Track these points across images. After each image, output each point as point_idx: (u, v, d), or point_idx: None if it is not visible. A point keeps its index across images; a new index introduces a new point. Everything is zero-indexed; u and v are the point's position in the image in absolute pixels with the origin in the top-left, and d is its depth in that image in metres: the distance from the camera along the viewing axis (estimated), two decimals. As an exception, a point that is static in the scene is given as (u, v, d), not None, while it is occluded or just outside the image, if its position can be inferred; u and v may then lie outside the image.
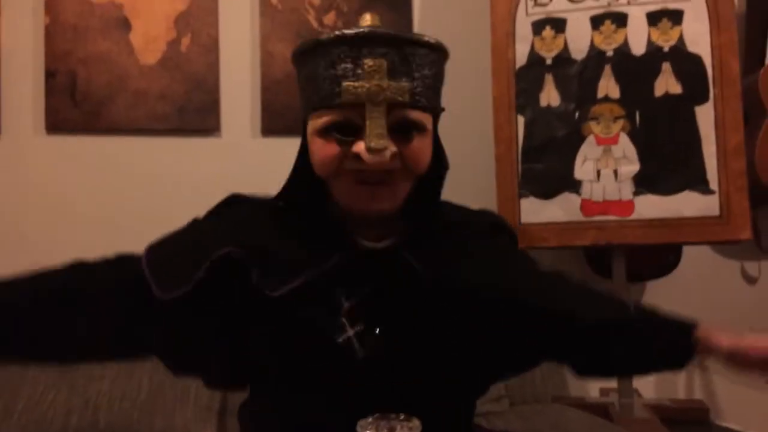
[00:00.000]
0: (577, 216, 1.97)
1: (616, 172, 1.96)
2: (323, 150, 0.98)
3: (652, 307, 1.15)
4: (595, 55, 2.00)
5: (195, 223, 1.16)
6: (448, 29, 2.29)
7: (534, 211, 2.00)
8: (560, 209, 1.98)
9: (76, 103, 2.05)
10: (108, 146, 2.10)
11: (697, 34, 1.95)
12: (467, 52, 2.24)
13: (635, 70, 1.97)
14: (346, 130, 0.96)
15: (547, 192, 2.00)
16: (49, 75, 2.04)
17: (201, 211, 2.07)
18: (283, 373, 0.99)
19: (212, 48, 2.13)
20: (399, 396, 0.87)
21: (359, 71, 0.93)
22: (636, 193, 1.94)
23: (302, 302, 0.98)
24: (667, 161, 1.93)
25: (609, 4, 2.00)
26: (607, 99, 1.99)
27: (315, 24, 2.18)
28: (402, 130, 0.97)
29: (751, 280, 2.43)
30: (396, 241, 1.05)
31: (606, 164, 1.97)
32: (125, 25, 2.09)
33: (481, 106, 2.12)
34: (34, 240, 2.05)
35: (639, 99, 1.97)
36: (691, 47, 1.95)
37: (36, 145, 2.07)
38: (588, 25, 2.01)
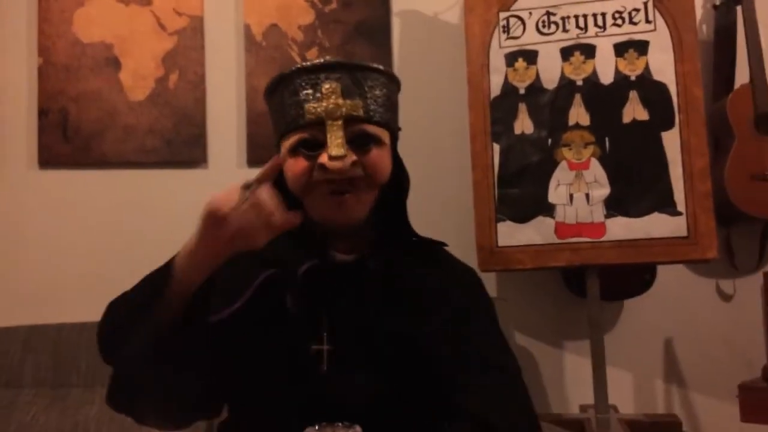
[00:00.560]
0: (552, 238, 2.03)
1: (587, 196, 2.03)
2: (294, 167, 1.11)
3: None
4: (566, 85, 2.08)
5: None
6: (427, 62, 2.39)
7: (510, 234, 2.06)
8: (535, 232, 2.05)
9: (68, 139, 2.13)
10: (99, 179, 2.17)
11: (662, 64, 2.03)
12: (445, 84, 2.35)
13: (604, 99, 2.05)
14: (312, 146, 1.09)
15: (523, 216, 2.06)
16: (42, 113, 2.12)
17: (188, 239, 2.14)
18: (255, 382, 1.07)
19: (199, 84, 2.22)
20: (352, 411, 0.93)
21: (318, 94, 1.08)
22: (607, 216, 2.01)
23: (280, 312, 1.08)
24: (636, 184, 2.00)
25: (578, 36, 2.09)
26: (577, 126, 2.06)
27: (298, 59, 2.27)
28: (360, 142, 1.10)
29: (726, 298, 2.50)
30: (364, 253, 1.16)
31: (578, 188, 2.04)
32: (115, 63, 2.17)
33: (458, 135, 2.20)
34: (28, 269, 2.11)
35: (608, 125, 2.04)
36: (657, 76, 2.04)
37: (29, 179, 2.14)
38: (558, 57, 2.10)
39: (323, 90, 1.08)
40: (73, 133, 2.13)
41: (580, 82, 2.08)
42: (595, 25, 2.08)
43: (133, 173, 2.19)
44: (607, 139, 2.04)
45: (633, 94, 2.05)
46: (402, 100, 2.38)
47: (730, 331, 2.44)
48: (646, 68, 2.05)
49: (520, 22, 2.12)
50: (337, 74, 1.10)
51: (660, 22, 2.04)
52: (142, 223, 2.18)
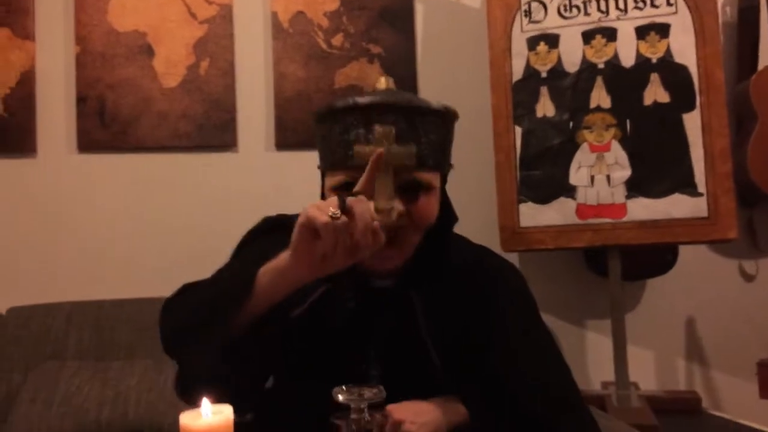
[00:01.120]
0: (573, 219, 2.08)
1: (608, 178, 2.07)
2: None
3: None
4: (587, 68, 2.11)
5: (250, 253, 1.18)
6: (449, 47, 2.43)
7: (532, 215, 2.11)
8: (557, 213, 2.09)
9: (105, 125, 2.22)
10: (134, 163, 2.26)
11: (683, 46, 2.06)
12: (467, 67, 2.39)
13: (625, 81, 2.08)
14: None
15: (545, 197, 2.11)
16: (80, 100, 2.21)
17: (221, 219, 2.24)
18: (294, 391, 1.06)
19: (229, 71, 2.29)
20: None
21: (369, 136, 1.01)
22: (628, 197, 2.05)
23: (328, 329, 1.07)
24: (657, 166, 2.03)
25: (599, 20, 2.12)
26: (599, 109, 2.10)
27: (324, 46, 2.32)
28: (410, 190, 1.04)
29: (748, 278, 2.52)
30: (403, 278, 1.11)
31: (599, 170, 2.08)
32: (149, 51, 2.25)
33: (481, 118, 2.24)
34: (69, 248, 2.21)
35: (629, 108, 2.08)
36: (678, 58, 2.06)
37: (69, 163, 2.23)
38: (580, 40, 2.13)
39: (375, 133, 1.01)
40: (110, 119, 2.22)
41: (601, 65, 2.11)
42: (617, 8, 2.10)
43: (167, 157, 2.27)
44: (628, 121, 2.08)
45: (654, 77, 2.07)
46: (425, 83, 2.46)
47: (751, 311, 2.47)
48: (668, 51, 2.07)
49: (541, 6, 2.16)
50: (392, 117, 1.02)
51: (681, 4, 2.06)
52: (175, 204, 2.27)
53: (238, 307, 0.92)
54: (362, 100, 1.03)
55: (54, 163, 2.23)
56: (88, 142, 2.22)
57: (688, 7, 2.05)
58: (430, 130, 1.05)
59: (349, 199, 0.86)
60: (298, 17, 2.33)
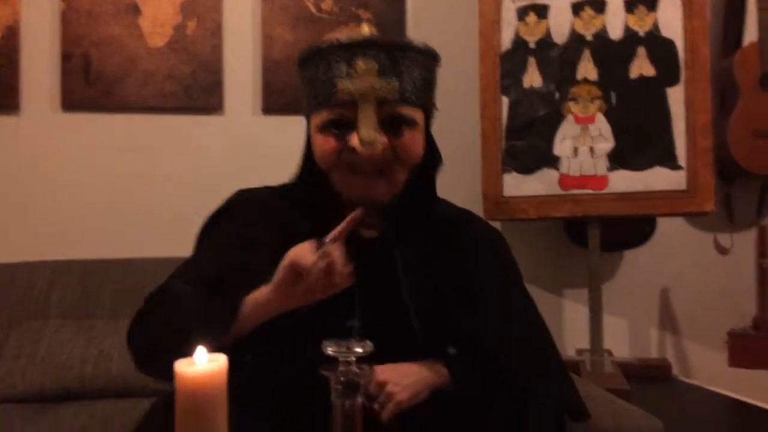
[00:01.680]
0: (556, 190, 2.11)
1: (592, 149, 2.10)
2: (323, 145, 1.10)
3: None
4: (575, 40, 2.13)
5: (219, 237, 1.20)
6: (440, 16, 2.43)
7: (516, 185, 2.14)
8: (540, 183, 2.12)
9: (90, 83, 2.20)
10: (119, 123, 2.24)
11: (670, 21, 2.08)
12: (457, 36, 2.38)
13: (612, 54, 2.10)
14: (342, 126, 1.07)
15: (529, 167, 2.14)
16: (65, 57, 2.18)
17: (205, 183, 2.25)
18: (284, 352, 1.05)
19: (216, 31, 2.27)
20: None
21: (352, 72, 1.05)
22: (610, 169, 2.08)
23: None
24: (640, 139, 2.07)
25: (589, -9, 2.13)
26: (585, 81, 2.12)
27: (313, 9, 2.31)
28: (393, 125, 1.08)
29: (723, 251, 2.58)
30: (389, 229, 1.14)
31: (583, 142, 2.11)
32: (135, 10, 2.22)
33: (469, 87, 2.26)
34: (52, 207, 2.20)
35: (615, 81, 2.10)
36: (665, 32, 2.08)
37: (53, 122, 2.21)
38: (569, 12, 2.14)
39: (358, 68, 1.04)
40: (95, 78, 2.20)
41: (589, 38, 2.13)
42: (606, -20, 2.11)
43: (152, 117, 2.26)
44: (613, 94, 2.10)
45: (641, 50, 2.09)
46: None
47: (724, 283, 2.53)
48: (655, 25, 2.09)
49: (532, -24, 2.16)
50: (374, 51, 1.05)
51: (670, -22, 2.07)
52: (160, 165, 2.26)
53: (218, 338, 0.94)
54: (345, 38, 1.07)
55: (38, 121, 2.20)
56: (72, 101, 2.19)
57: (677, -18, 2.07)
58: (411, 66, 1.09)
59: (327, 245, 0.92)
60: (287, -21, 2.31)
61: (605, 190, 2.07)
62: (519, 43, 2.17)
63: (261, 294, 0.99)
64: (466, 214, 1.28)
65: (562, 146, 2.12)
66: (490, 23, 2.17)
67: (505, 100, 2.17)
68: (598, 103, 2.11)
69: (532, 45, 2.16)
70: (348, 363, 0.76)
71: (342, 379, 0.75)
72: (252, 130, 2.30)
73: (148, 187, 2.25)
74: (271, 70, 2.29)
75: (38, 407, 1.64)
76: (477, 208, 2.02)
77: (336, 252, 0.93)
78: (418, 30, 2.40)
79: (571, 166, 2.11)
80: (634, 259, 2.51)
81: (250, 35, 2.31)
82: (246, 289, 1.02)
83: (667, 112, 2.07)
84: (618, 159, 2.07)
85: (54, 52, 2.20)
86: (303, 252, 0.93)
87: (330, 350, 0.77)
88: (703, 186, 2.02)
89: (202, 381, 0.64)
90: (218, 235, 1.20)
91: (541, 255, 2.47)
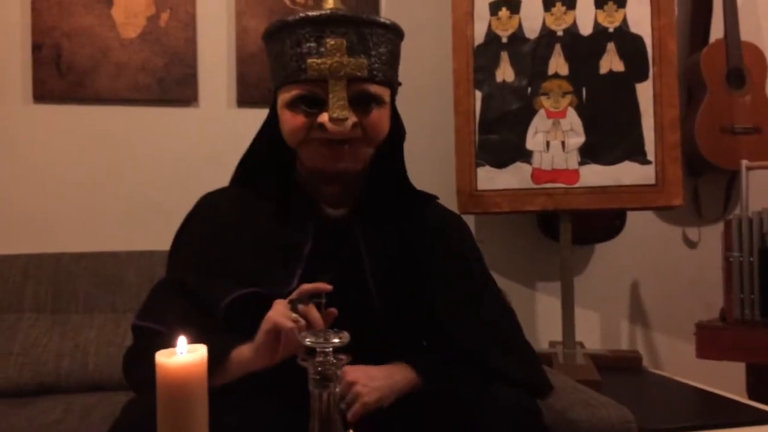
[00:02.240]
0: (528, 183, 2.14)
1: (563, 144, 2.13)
2: (292, 121, 1.11)
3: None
4: (547, 35, 2.16)
5: (189, 246, 1.22)
6: (413, 9, 2.44)
7: (489, 178, 2.16)
8: (513, 177, 2.15)
9: (62, 74, 2.17)
10: (91, 115, 2.22)
11: (639, 16, 2.11)
12: (430, 30, 2.41)
13: (583, 50, 2.14)
14: (312, 103, 1.08)
15: (502, 161, 2.16)
16: (36, 47, 2.15)
17: (179, 176, 2.24)
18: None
19: (190, 23, 2.25)
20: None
21: (322, 49, 1.05)
22: (581, 163, 2.11)
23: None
24: (610, 134, 2.10)
25: (560, -13, 2.16)
26: (556, 75, 2.15)
27: (287, 1, 2.31)
28: (362, 102, 1.10)
29: (691, 245, 2.64)
30: (354, 208, 1.17)
31: (555, 136, 2.14)
32: (107, 0, 2.20)
33: (442, 81, 2.27)
34: (24, 200, 2.17)
35: (586, 76, 2.13)
36: (634, 29, 2.12)
37: (24, 114, 2.18)
38: (540, 7, 2.17)
39: (328, 45, 1.05)
40: (66, 69, 2.17)
41: (560, 33, 2.16)
42: (578, -24, 2.14)
43: (125, 110, 2.24)
44: (584, 89, 2.13)
45: (610, 46, 2.13)
46: (389, 45, 2.44)
47: (693, 276, 2.59)
48: (624, 21, 2.13)
49: (504, -28, 2.18)
50: (343, 29, 1.06)
51: (639, -25, 2.11)
52: (133, 158, 2.24)
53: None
54: (313, 13, 1.07)
55: (8, 112, 2.17)
56: (43, 92, 2.16)
57: (646, -21, 2.11)
58: (379, 43, 1.10)
59: (301, 307, 0.94)
60: (262, -28, 2.30)
61: (576, 185, 2.11)
62: (492, 37, 2.19)
63: (242, 353, 1.00)
64: (428, 199, 1.30)
65: (534, 140, 2.14)
66: (464, 16, 2.19)
67: (478, 94, 2.19)
68: (569, 97, 2.14)
69: (504, 39, 2.19)
70: (325, 353, 0.77)
71: (319, 369, 0.76)
72: (227, 122, 2.29)
73: (122, 179, 2.23)
74: (245, 63, 2.28)
75: (14, 402, 1.63)
76: (451, 201, 2.03)
77: (312, 311, 0.95)
78: (392, 24, 2.41)
79: (543, 160, 2.14)
80: (605, 252, 2.56)
81: (225, 27, 2.30)
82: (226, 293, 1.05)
83: (636, 107, 2.10)
84: (589, 153, 2.11)
85: (25, 42, 2.16)
86: (280, 316, 0.95)
87: (308, 341, 0.78)
88: (671, 180, 2.06)
89: (183, 371, 0.65)
90: (188, 254, 1.21)
91: (513, 248, 2.50)
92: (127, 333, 1.78)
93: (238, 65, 2.28)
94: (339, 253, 1.13)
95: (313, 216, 1.15)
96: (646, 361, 2.39)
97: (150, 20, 2.23)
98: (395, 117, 1.21)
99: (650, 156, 2.07)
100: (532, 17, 2.17)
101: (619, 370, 2.18)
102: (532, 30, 2.17)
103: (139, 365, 1.10)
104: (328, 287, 0.98)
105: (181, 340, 0.66)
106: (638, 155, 2.08)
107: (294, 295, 0.98)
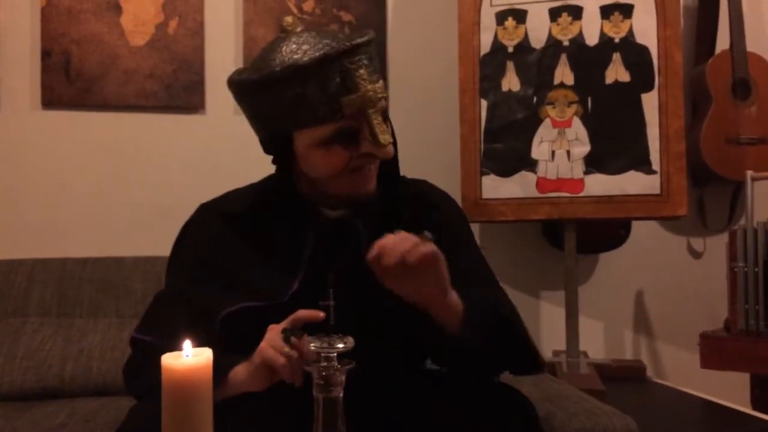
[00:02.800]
0: (533, 192, 2.14)
1: (568, 153, 2.13)
2: (329, 158, 1.07)
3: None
4: (553, 45, 2.17)
5: (187, 256, 1.22)
6: (420, 18, 2.46)
7: (494, 187, 2.17)
8: (518, 186, 2.15)
9: (70, 81, 2.19)
10: (100, 121, 2.24)
11: (645, 27, 2.12)
12: (437, 40, 2.42)
13: (588, 59, 2.14)
14: (347, 137, 1.06)
15: (506, 170, 2.17)
16: (45, 54, 2.17)
17: (185, 182, 2.25)
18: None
19: (198, 31, 2.27)
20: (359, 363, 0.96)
21: (349, 84, 1.02)
22: (586, 172, 2.12)
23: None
24: (615, 143, 2.11)
25: (566, -2, 2.17)
26: (562, 85, 2.16)
27: (295, 10, 2.32)
28: (386, 119, 1.09)
29: (696, 255, 2.63)
30: (353, 208, 1.17)
31: (560, 145, 2.14)
32: (116, 8, 2.22)
33: (448, 90, 2.28)
34: (32, 205, 2.19)
35: (591, 86, 2.14)
36: (640, 39, 2.13)
37: (32, 120, 2.19)
38: (547, 17, 2.18)
39: (357, 79, 1.02)
40: (75, 75, 2.19)
41: (566, 43, 2.16)
42: (583, -13, 2.15)
43: (133, 116, 2.25)
44: (589, 98, 2.14)
45: (616, 56, 2.14)
46: (395, 53, 2.48)
47: (698, 286, 2.58)
48: (630, 31, 2.13)
49: (511, -18, 2.19)
50: (358, 57, 1.04)
51: (645, -14, 2.11)
52: (140, 164, 2.26)
53: None
54: (329, 50, 1.02)
55: (17, 118, 2.19)
56: (52, 98, 2.18)
57: (651, -11, 2.11)
58: (375, 57, 1.10)
59: (293, 340, 0.93)
60: (270, -20, 2.32)
61: (581, 194, 2.11)
62: (498, 46, 2.20)
63: (238, 375, 1.01)
64: (421, 185, 1.30)
65: (539, 149, 2.15)
66: (470, 25, 2.20)
67: (484, 103, 2.19)
68: (574, 107, 2.15)
69: (510, 49, 2.20)
70: (329, 358, 0.78)
71: (324, 374, 0.76)
72: (233, 129, 2.30)
73: (129, 185, 2.25)
74: (252, 71, 2.29)
75: (18, 405, 1.64)
76: (456, 209, 2.05)
77: (304, 345, 0.92)
78: (399, 34, 2.43)
79: (548, 169, 2.14)
80: (609, 262, 2.56)
81: (233, 35, 2.32)
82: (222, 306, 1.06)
83: (641, 117, 2.11)
84: (594, 163, 2.11)
85: (34, 49, 2.19)
86: (271, 350, 0.94)
87: (312, 346, 0.78)
88: (676, 190, 2.07)
89: (189, 374, 0.66)
90: (186, 264, 1.21)
91: (518, 257, 2.50)
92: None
93: (245, 73, 2.29)
94: (342, 253, 1.13)
95: (312, 219, 1.15)
96: (650, 371, 2.39)
97: (158, 28, 2.25)
98: None
99: (655, 166, 2.08)
100: (538, 27, 2.18)
101: (623, 379, 2.18)
102: (538, 40, 2.18)
103: (140, 376, 1.11)
104: (321, 316, 0.96)
105: (187, 344, 0.67)
106: (643, 165, 2.09)
107: (288, 323, 0.97)
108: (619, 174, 2.10)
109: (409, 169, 1.31)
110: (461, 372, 1.14)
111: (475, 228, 2.22)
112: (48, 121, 2.20)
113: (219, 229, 1.19)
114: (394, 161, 1.22)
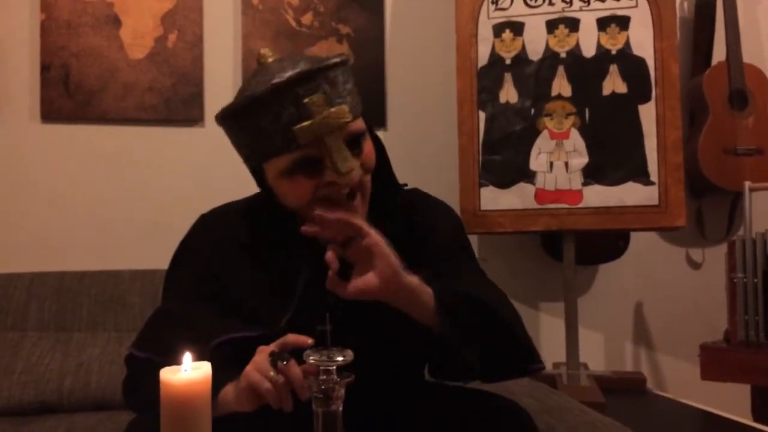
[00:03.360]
0: (532, 204, 2.14)
1: (567, 164, 2.14)
2: (294, 189, 1.06)
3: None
4: (550, 57, 2.18)
5: (185, 274, 1.21)
6: (418, 31, 2.47)
7: (492, 199, 2.17)
8: (516, 197, 2.16)
9: (70, 94, 2.20)
10: (99, 134, 2.24)
11: (642, 39, 2.14)
12: (434, 52, 2.43)
13: (586, 71, 2.15)
14: (310, 165, 1.04)
15: (505, 182, 2.17)
16: (45, 67, 2.18)
17: (185, 195, 2.25)
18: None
19: (197, 44, 2.28)
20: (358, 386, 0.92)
21: (304, 112, 1.00)
22: (584, 184, 2.12)
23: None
24: (613, 155, 2.11)
25: (563, 10, 2.18)
26: (560, 97, 2.16)
27: (293, 23, 2.34)
28: (354, 143, 1.06)
29: (695, 266, 2.63)
30: None
31: (558, 157, 2.15)
32: (115, 21, 2.23)
33: (446, 102, 2.29)
34: (30, 218, 2.19)
35: (589, 97, 2.15)
36: (637, 51, 2.14)
37: (32, 133, 2.20)
38: (544, 29, 2.19)
39: (308, 106, 1.00)
40: (74, 89, 2.20)
41: (563, 55, 2.17)
42: (580, -1, 2.17)
43: (132, 129, 2.26)
44: (587, 110, 2.15)
45: (613, 68, 2.15)
46: (392, 66, 2.49)
47: (697, 297, 2.58)
48: (627, 43, 2.14)
49: (508, -6, 2.21)
50: (314, 83, 1.01)
51: (641, -2, 2.13)
52: (139, 177, 2.26)
53: None
54: (280, 80, 1.00)
55: (16, 131, 2.19)
56: (51, 112, 2.19)
57: (648, 1, 2.13)
58: (345, 81, 1.06)
59: (280, 365, 0.91)
60: (268, -6, 2.33)
61: (580, 205, 2.11)
62: (495, 58, 2.21)
63: (227, 396, 0.99)
64: (416, 195, 1.28)
65: (537, 161, 2.16)
66: (468, 38, 2.21)
67: (482, 115, 2.20)
68: (572, 118, 2.15)
69: (508, 61, 2.21)
70: (328, 372, 0.78)
71: (323, 387, 0.76)
72: (232, 142, 2.30)
73: (128, 198, 2.25)
74: (251, 84, 2.30)
75: (16, 420, 1.63)
76: (454, 221, 2.05)
77: (292, 369, 0.91)
78: (397, 47, 2.44)
79: (546, 180, 2.15)
80: (608, 273, 2.56)
81: (231, 48, 2.33)
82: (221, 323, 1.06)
83: (639, 128, 2.12)
84: (592, 174, 2.12)
85: (33, 62, 2.20)
86: (257, 375, 0.93)
87: (311, 359, 0.78)
88: (674, 201, 2.07)
89: (187, 388, 0.65)
90: (183, 282, 1.20)
91: (517, 269, 2.50)
92: (130, 352, 1.80)
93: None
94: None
95: (307, 241, 1.10)
96: (650, 382, 2.38)
97: (157, 41, 2.26)
98: (370, 130, 1.17)
99: (653, 177, 2.08)
100: (535, 39, 2.19)
101: (623, 391, 2.17)
102: (535, 52, 2.19)
103: (139, 391, 1.10)
104: (309, 342, 0.93)
105: (187, 357, 0.67)
106: (641, 176, 2.09)
107: (276, 346, 0.95)
108: (618, 185, 2.10)
109: (407, 180, 1.30)
110: (455, 375, 1.11)
111: (473, 239, 2.23)
112: (47, 134, 2.21)
113: (218, 247, 1.19)
114: (386, 174, 1.22)
